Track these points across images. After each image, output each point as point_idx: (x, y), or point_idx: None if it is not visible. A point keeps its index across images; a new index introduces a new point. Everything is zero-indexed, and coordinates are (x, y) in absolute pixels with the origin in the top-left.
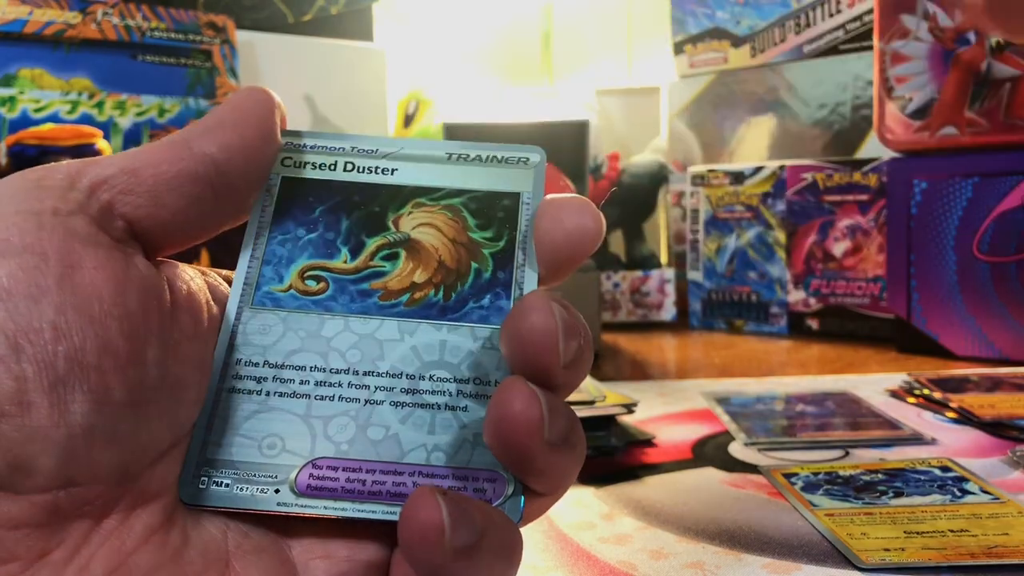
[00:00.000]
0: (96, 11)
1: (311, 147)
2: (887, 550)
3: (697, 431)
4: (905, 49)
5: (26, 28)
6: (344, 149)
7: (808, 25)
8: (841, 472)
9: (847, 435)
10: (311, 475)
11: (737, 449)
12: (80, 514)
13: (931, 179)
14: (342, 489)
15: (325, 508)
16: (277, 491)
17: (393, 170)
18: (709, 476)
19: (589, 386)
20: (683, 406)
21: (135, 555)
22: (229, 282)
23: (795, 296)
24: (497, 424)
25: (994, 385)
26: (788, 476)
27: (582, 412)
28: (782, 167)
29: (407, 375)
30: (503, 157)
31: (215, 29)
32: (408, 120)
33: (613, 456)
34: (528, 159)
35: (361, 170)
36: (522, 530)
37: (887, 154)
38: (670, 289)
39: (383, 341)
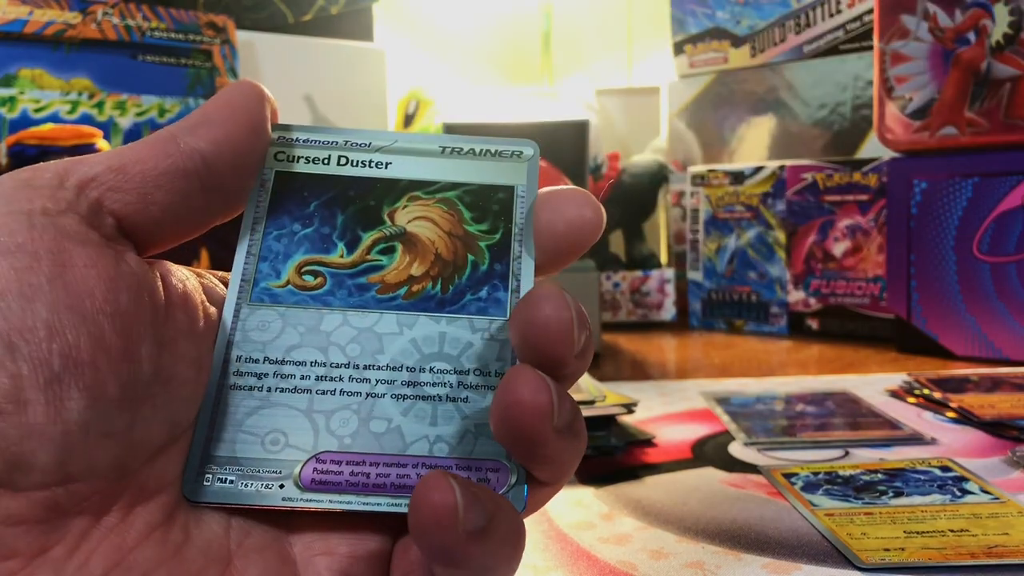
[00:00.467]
0: (96, 11)
1: (304, 141)
2: (887, 550)
3: (697, 431)
4: (905, 49)
5: (26, 28)
6: (337, 143)
7: (808, 25)
8: (841, 472)
9: (847, 435)
10: (315, 469)
11: (737, 449)
12: (79, 511)
13: (931, 179)
14: (346, 483)
15: (330, 502)
16: (282, 486)
17: (387, 164)
18: (709, 476)
19: (589, 386)
20: (683, 406)
21: (135, 552)
22: (225, 283)
23: (795, 296)
24: (506, 410)
25: (994, 385)
26: (788, 476)
27: (582, 412)
28: (782, 167)
29: (407, 368)
30: (497, 151)
31: (215, 29)
32: (408, 120)
33: (613, 456)
34: (522, 153)
35: (355, 164)
36: (525, 526)
37: (887, 154)
38: (670, 289)
39: (382, 335)
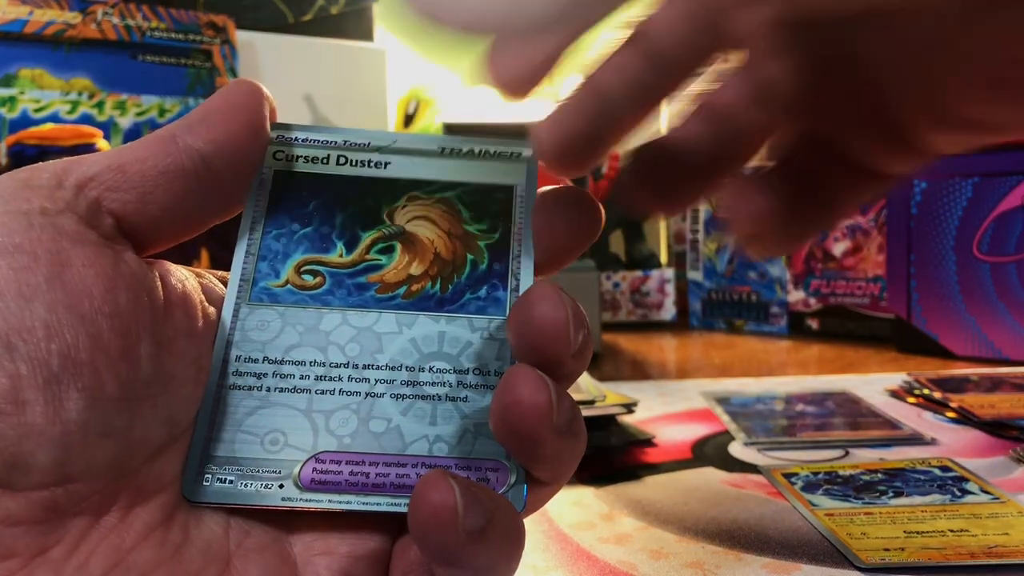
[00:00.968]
0: (96, 11)
1: (303, 140)
2: (887, 550)
3: (697, 431)
4: None
5: (26, 28)
6: (337, 143)
7: None
8: (841, 472)
9: (847, 435)
10: (314, 469)
11: (737, 449)
12: (78, 511)
13: (931, 179)
14: (346, 482)
15: (329, 502)
16: (281, 486)
17: (386, 164)
18: (709, 476)
19: (589, 386)
20: (683, 406)
21: (134, 552)
22: (224, 283)
23: (795, 296)
24: (506, 410)
25: (994, 385)
26: (788, 476)
27: (582, 412)
28: None
29: (407, 367)
30: (496, 151)
31: (215, 29)
32: (408, 120)
33: (613, 456)
34: (521, 153)
35: (354, 164)
36: (525, 526)
37: None
38: (670, 289)
39: (382, 334)
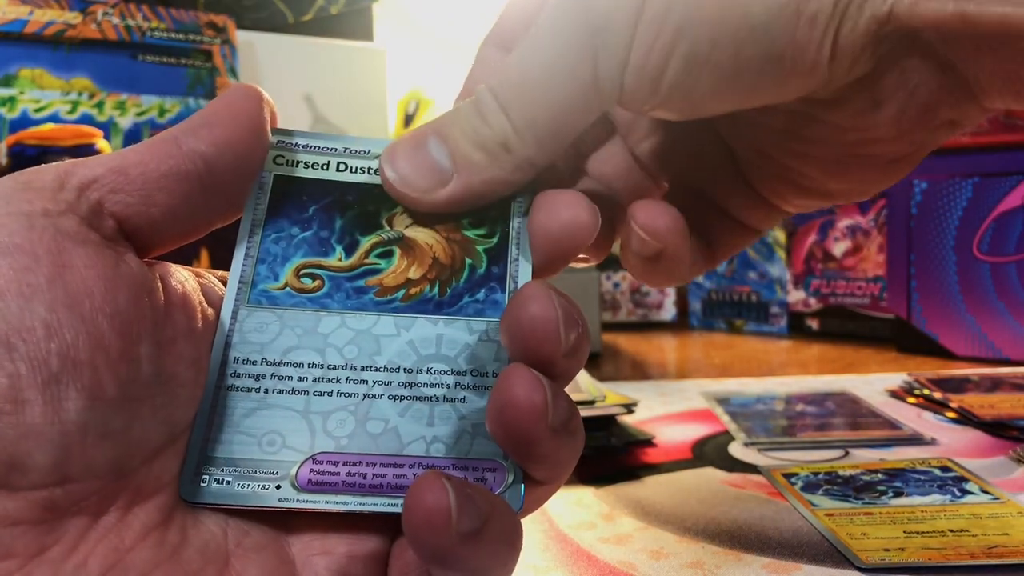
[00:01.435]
0: (96, 11)
1: (303, 146)
2: (887, 550)
3: (697, 431)
4: None
5: (26, 28)
6: (337, 150)
7: None
8: (841, 472)
9: (847, 435)
10: (312, 470)
11: (737, 449)
12: (76, 511)
13: (931, 179)
14: (343, 483)
15: (327, 502)
16: (278, 487)
17: None
18: (709, 476)
19: (589, 386)
20: (683, 406)
21: (132, 552)
22: (224, 283)
23: (795, 296)
24: (501, 410)
25: (994, 385)
26: (788, 476)
27: (582, 412)
28: None
29: (404, 369)
30: None
31: (215, 29)
32: (408, 120)
33: (613, 456)
34: None
35: (354, 170)
36: (522, 527)
37: None
38: (670, 289)
39: (380, 336)
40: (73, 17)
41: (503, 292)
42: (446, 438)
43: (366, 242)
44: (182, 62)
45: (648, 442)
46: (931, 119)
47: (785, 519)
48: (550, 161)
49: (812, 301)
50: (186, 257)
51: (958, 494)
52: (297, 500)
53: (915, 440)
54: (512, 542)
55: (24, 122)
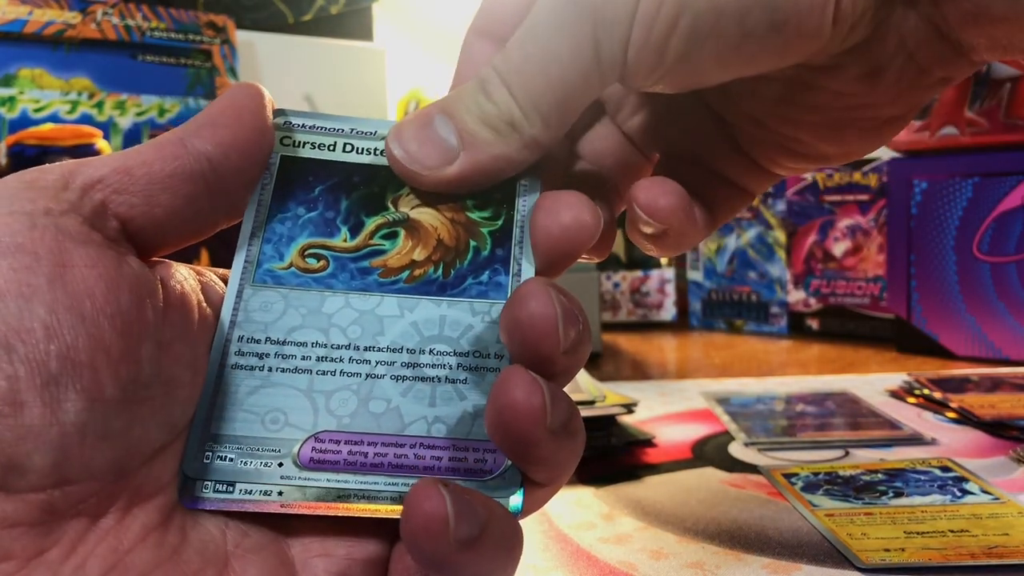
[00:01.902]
0: (96, 11)
1: (310, 127)
2: (887, 550)
3: (697, 431)
4: None
5: (26, 28)
6: (343, 131)
7: None
8: (841, 472)
9: (847, 435)
10: (314, 448)
11: (737, 449)
12: (75, 513)
13: (931, 179)
14: (344, 462)
15: (328, 480)
16: (280, 464)
17: None
18: (709, 476)
19: (589, 386)
20: (683, 406)
21: (132, 554)
22: (224, 281)
23: (795, 296)
24: (500, 412)
25: (994, 385)
26: (788, 476)
27: (582, 412)
28: None
29: (407, 349)
30: None
31: (215, 29)
32: None
33: (613, 456)
34: None
35: (360, 151)
36: (522, 530)
37: (887, 154)
38: (670, 289)
39: (383, 317)
40: (73, 17)
41: (507, 275)
42: (447, 419)
43: (371, 223)
44: (182, 62)
45: (648, 442)
46: (926, 78)
47: (785, 519)
48: (555, 139)
49: (812, 301)
50: (186, 255)
51: (958, 494)
52: (299, 478)
53: (915, 440)
54: (511, 548)
55: (24, 122)
